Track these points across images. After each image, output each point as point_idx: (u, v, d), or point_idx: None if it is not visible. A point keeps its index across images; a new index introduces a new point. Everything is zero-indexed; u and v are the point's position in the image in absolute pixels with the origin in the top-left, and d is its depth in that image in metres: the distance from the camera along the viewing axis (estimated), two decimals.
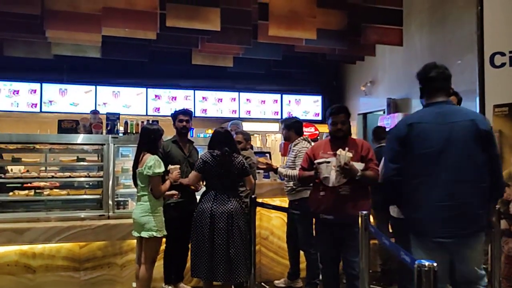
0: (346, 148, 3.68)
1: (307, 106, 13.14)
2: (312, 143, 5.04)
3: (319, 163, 3.77)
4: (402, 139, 2.78)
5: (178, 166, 4.44)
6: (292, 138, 5.06)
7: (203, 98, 12.21)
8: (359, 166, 3.70)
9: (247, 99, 12.58)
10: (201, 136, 9.67)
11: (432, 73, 2.91)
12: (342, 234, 3.72)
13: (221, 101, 12.33)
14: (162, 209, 4.20)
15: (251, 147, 5.83)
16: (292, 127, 5.10)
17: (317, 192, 3.87)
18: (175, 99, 11.94)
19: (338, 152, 3.65)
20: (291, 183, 4.96)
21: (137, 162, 4.18)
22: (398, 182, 2.77)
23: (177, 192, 4.42)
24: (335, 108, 3.96)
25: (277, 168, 4.96)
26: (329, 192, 3.76)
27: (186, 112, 4.90)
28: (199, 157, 4.49)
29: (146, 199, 4.11)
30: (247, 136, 5.46)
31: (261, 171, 5.61)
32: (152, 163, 4.04)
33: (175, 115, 4.86)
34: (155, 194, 4.11)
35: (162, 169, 4.08)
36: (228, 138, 4.44)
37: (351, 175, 3.67)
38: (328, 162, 3.71)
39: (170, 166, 4.38)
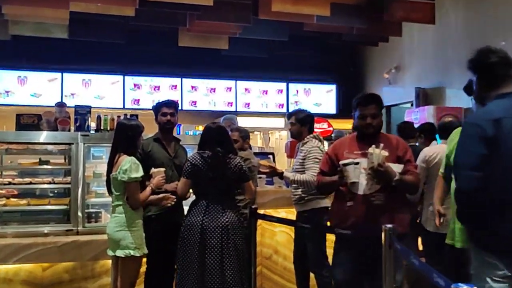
0: (381, 145, 3.48)
1: (319, 97, 13.13)
2: (325, 143, 5.02)
3: (345, 165, 3.55)
4: (490, 140, 2.68)
5: (163, 169, 4.42)
6: (304, 135, 5.06)
7: (192, 87, 12.21)
8: (396, 168, 3.53)
9: (246, 89, 12.58)
10: (190, 134, 9.66)
11: (492, 59, 2.85)
12: (372, 256, 3.47)
13: (214, 91, 12.33)
14: (142, 222, 4.19)
15: (250, 147, 5.82)
16: (307, 122, 5.08)
17: (342, 202, 3.68)
18: (158, 89, 11.94)
19: (370, 149, 3.45)
20: (299, 191, 4.93)
21: (111, 165, 4.17)
22: (483, 193, 2.70)
23: (173, 196, 4.42)
24: (363, 97, 3.80)
25: (282, 173, 4.95)
26: (359, 202, 3.57)
27: (170, 104, 4.89)
28: (187, 159, 4.48)
29: (121, 210, 4.09)
30: (245, 133, 5.44)
31: (263, 176, 5.59)
32: (128, 166, 4.02)
33: (157, 108, 4.86)
34: (132, 204, 4.09)
35: (140, 173, 4.07)
36: (222, 135, 4.43)
37: (386, 180, 3.49)
38: (357, 163, 3.51)
39: (153, 170, 4.37)
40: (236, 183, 4.41)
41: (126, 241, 4.03)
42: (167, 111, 4.80)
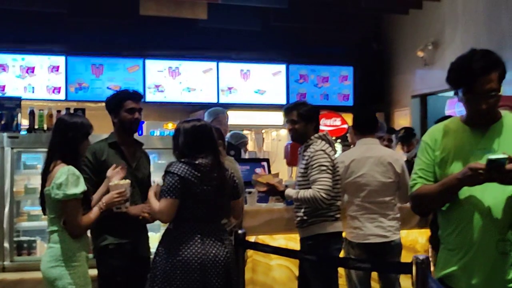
0: None
1: (330, 84, 13.13)
2: (338, 146, 5.06)
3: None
4: None
5: (127, 181, 4.40)
6: (310, 136, 5.10)
7: (159, 72, 12.17)
8: None
9: (231, 73, 12.55)
10: (156, 134, 9.62)
11: None
12: None
13: (188, 77, 12.30)
14: (86, 255, 4.19)
15: (237, 152, 5.82)
16: (313, 118, 5.15)
17: None
18: (112, 73, 11.89)
19: None
20: (301, 211, 5.01)
21: (45, 176, 4.17)
22: None
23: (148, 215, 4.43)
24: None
25: (283, 191, 5.00)
26: None
27: (138, 97, 4.86)
28: (171, 171, 4.35)
29: (57, 238, 4.09)
30: (217, 132, 5.37)
31: (253, 190, 5.61)
32: (63, 179, 4.00)
33: (118, 100, 4.80)
34: (71, 230, 4.08)
35: (81, 188, 4.06)
36: (213, 137, 4.45)
37: None
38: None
39: (114, 181, 4.35)
40: (230, 201, 4.44)
41: (63, 281, 4.02)
42: (134, 106, 4.76)
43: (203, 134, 4.39)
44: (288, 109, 5.32)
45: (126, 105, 4.73)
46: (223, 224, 4.71)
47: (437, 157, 3.13)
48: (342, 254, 5.25)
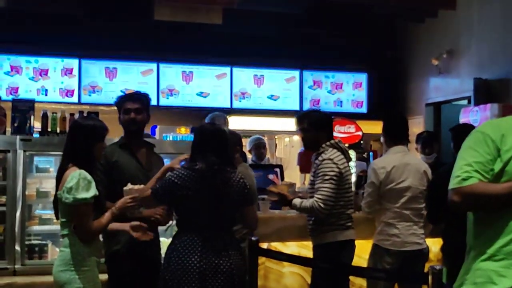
0: None
1: (343, 90, 13.10)
2: (353, 153, 5.03)
3: None
4: None
5: (142, 186, 4.39)
6: (321, 144, 5.09)
7: (173, 76, 12.17)
8: None
9: (245, 78, 12.54)
10: (169, 139, 9.62)
11: None
12: None
13: (202, 81, 12.30)
14: (95, 260, 4.18)
15: (243, 157, 5.81)
16: (324, 126, 5.15)
17: None
18: (127, 76, 11.90)
19: None
20: (312, 220, 5.06)
21: (59, 180, 4.16)
22: None
23: (151, 234, 4.40)
24: None
25: (291, 201, 5.02)
26: None
27: (135, 97, 4.91)
28: (168, 176, 4.35)
29: (67, 242, 4.08)
30: (234, 138, 5.39)
31: (266, 197, 5.61)
32: (74, 182, 3.99)
33: (119, 102, 4.87)
34: (81, 235, 4.07)
35: (92, 192, 4.05)
36: (222, 140, 4.39)
37: None
38: None
39: (129, 185, 4.34)
40: (238, 208, 4.38)
41: (72, 285, 4.01)
42: (130, 107, 4.79)
43: (202, 136, 4.37)
44: (299, 117, 5.35)
45: (123, 106, 4.82)
46: (234, 231, 4.69)
47: (505, 154, 2.80)
48: (358, 263, 5.25)
